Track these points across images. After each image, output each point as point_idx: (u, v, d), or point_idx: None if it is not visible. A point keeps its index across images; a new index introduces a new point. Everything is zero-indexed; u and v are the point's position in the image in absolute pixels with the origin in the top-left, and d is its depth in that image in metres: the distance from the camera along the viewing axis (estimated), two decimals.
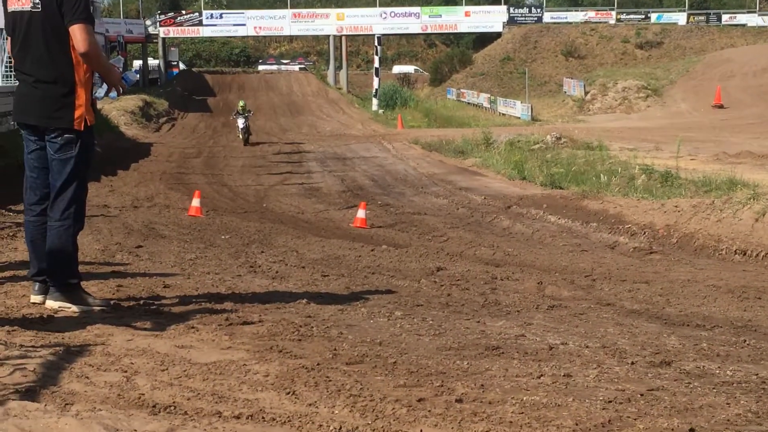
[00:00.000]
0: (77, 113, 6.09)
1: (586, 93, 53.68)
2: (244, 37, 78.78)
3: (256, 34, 72.60)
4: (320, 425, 4.03)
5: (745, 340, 6.29)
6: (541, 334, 6.23)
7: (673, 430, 4.10)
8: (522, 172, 22.01)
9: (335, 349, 5.42)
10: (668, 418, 4.27)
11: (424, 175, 23.96)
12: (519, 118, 47.46)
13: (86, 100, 6.13)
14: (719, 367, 5.40)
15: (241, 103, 36.13)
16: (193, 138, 37.50)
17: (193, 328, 5.86)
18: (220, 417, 4.10)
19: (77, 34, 5.95)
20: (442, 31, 72.79)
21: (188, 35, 71.65)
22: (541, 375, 5.04)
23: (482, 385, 4.78)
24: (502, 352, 5.59)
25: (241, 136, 34.67)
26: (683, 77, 54.10)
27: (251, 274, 8.81)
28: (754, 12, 71.63)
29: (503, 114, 50.18)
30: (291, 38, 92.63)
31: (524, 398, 4.54)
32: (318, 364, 5.05)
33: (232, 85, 64.53)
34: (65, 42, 6.01)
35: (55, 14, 6.02)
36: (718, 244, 12.47)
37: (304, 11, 68.60)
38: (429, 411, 4.30)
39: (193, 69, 78.36)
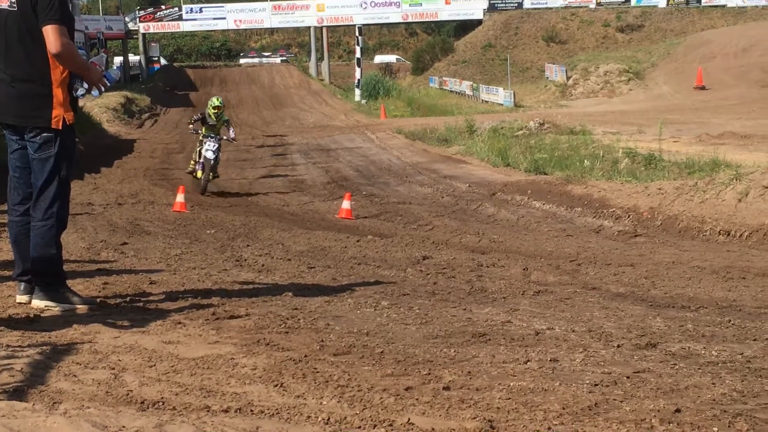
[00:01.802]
0: (55, 112, 6.07)
1: (568, 78, 53.67)
2: (224, 30, 78.45)
3: (236, 28, 72.37)
4: (308, 416, 4.05)
5: (729, 320, 6.33)
6: (528, 319, 6.26)
7: (659, 411, 4.12)
8: (506, 159, 22.01)
9: (322, 341, 5.44)
10: (654, 400, 4.30)
11: (409, 165, 23.95)
12: (502, 104, 47.44)
13: (64, 99, 6.11)
14: (704, 348, 5.43)
15: (215, 102, 19.89)
16: (176, 133, 37.33)
17: (179, 323, 5.86)
18: (208, 411, 4.11)
19: (50, 35, 5.93)
20: (422, 20, 72.60)
21: (168, 30, 71.36)
22: (528, 360, 5.07)
23: (469, 372, 4.80)
24: (489, 339, 5.61)
25: (197, 173, 19.38)
26: (664, 60, 54.13)
27: (237, 268, 8.83)
28: None
29: (486, 101, 50.16)
30: (272, 31, 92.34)
31: (511, 384, 4.56)
32: (305, 356, 5.07)
33: (214, 79, 64.36)
34: (41, 41, 5.99)
35: (30, 14, 6.00)
36: (702, 225, 12.52)
37: (284, 3, 68.28)
38: (417, 399, 4.32)
39: (175, 64, 78.11)
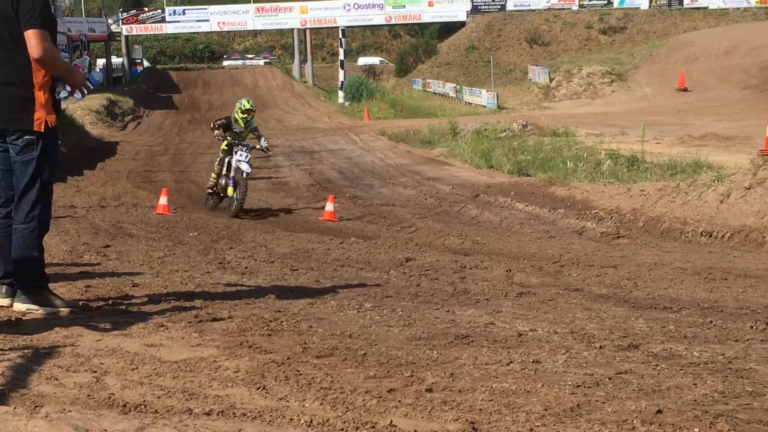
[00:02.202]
0: (36, 115, 6.06)
1: (551, 80, 53.78)
2: (207, 32, 78.23)
3: (219, 30, 72.17)
4: (291, 419, 4.05)
5: (711, 321, 6.36)
6: (510, 321, 6.27)
7: (640, 412, 4.14)
8: (489, 161, 22.04)
9: (305, 343, 5.44)
10: (636, 401, 4.32)
11: (392, 167, 23.95)
12: (485, 106, 47.48)
13: (46, 102, 6.10)
14: (686, 349, 5.45)
15: (245, 105, 16.85)
16: (160, 135, 37.30)
17: (162, 326, 5.85)
18: (190, 414, 4.10)
19: (32, 39, 5.91)
20: (406, 22, 72.62)
21: (151, 32, 71.19)
22: (511, 362, 5.08)
23: (452, 373, 4.81)
24: (472, 341, 5.62)
25: (228, 189, 16.20)
26: (647, 61, 54.29)
27: (220, 270, 8.82)
28: None
29: (469, 103, 50.20)
30: (255, 33, 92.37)
31: (494, 385, 4.57)
32: (288, 359, 5.07)
33: (197, 82, 64.29)
34: (23, 44, 5.97)
35: (11, 17, 5.98)
36: (684, 226, 12.56)
37: (267, 5, 68.19)
38: (399, 401, 4.33)
39: (158, 66, 78.00)
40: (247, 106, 16.75)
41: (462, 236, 12.98)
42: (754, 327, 6.15)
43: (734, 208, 12.10)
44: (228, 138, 16.47)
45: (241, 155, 16.02)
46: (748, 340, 5.75)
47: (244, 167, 15.84)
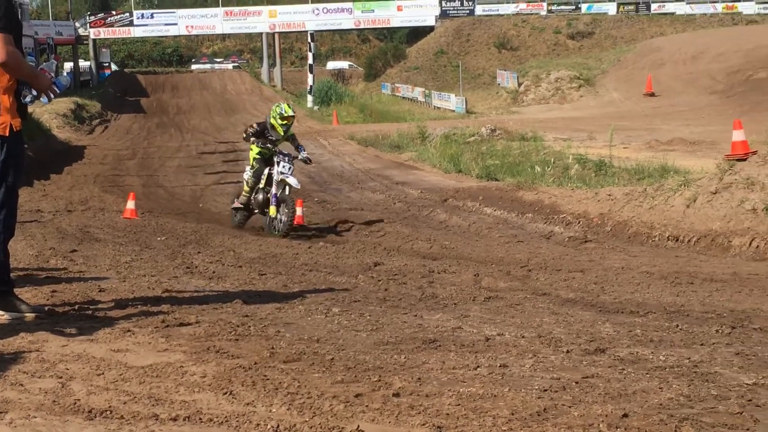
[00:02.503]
0: (1, 119, 6.00)
1: (520, 84, 54.02)
2: (176, 36, 78.07)
3: (188, 34, 72.06)
4: (258, 424, 4.04)
5: (677, 325, 6.39)
6: (478, 325, 6.28)
7: (607, 416, 4.15)
8: (458, 165, 22.09)
9: (272, 348, 5.42)
10: (602, 405, 4.33)
11: (361, 171, 23.95)
12: (454, 111, 47.63)
13: (11, 105, 6.05)
14: (652, 353, 5.48)
15: (286, 110, 15.01)
16: (127, 139, 37.10)
17: (129, 331, 5.82)
18: (156, 420, 4.08)
19: None
20: (375, 26, 72.76)
21: (119, 36, 70.91)
22: (478, 366, 5.09)
23: (419, 378, 4.81)
24: (439, 345, 5.63)
25: (270, 210, 14.33)
26: (615, 66, 54.65)
27: (188, 275, 8.78)
28: (682, 1, 72.51)
29: (438, 107, 50.32)
30: (224, 36, 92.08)
31: (461, 390, 4.58)
32: (255, 363, 5.05)
33: (166, 85, 63.99)
34: None
35: None
36: (651, 231, 12.63)
37: (236, 9, 68.16)
38: (366, 406, 4.32)
39: (126, 70, 77.57)
40: (289, 113, 14.93)
41: (430, 241, 12.99)
42: (720, 331, 6.19)
43: (700, 213, 12.18)
44: (269, 146, 14.62)
45: (284, 167, 14.26)
46: (713, 344, 5.79)
47: (293, 182, 14.12)
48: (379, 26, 72.73)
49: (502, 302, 7.45)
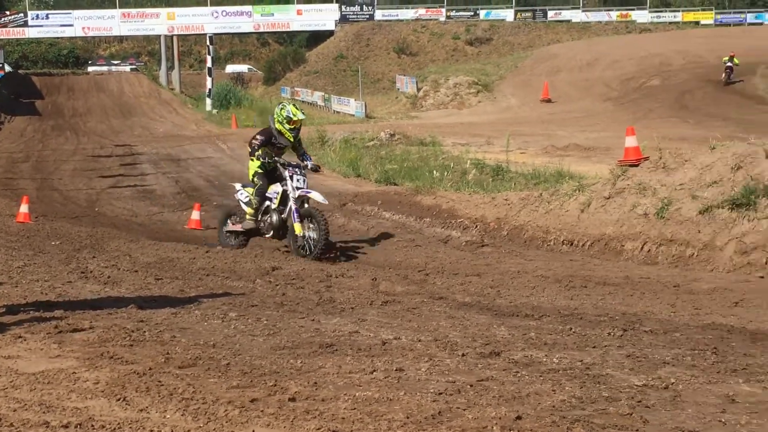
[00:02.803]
0: None
1: (419, 89, 54.26)
2: (72, 38, 76.74)
3: (84, 35, 70.89)
4: (151, 430, 4.00)
5: (571, 328, 6.50)
6: (375, 329, 6.31)
7: (500, 418, 4.20)
8: (357, 170, 22.14)
9: (168, 353, 5.38)
10: (496, 407, 4.38)
11: None
12: (353, 115, 47.67)
13: None
14: (546, 356, 5.56)
15: (295, 114, 13.14)
16: (21, 142, 36.37)
17: (20, 337, 5.72)
18: (47, 427, 4.02)
19: None
20: (274, 30, 72.41)
21: (13, 36, 69.42)
22: (374, 370, 5.11)
23: (315, 383, 4.81)
24: (336, 350, 5.64)
25: (296, 227, 12.36)
26: (512, 73, 55.28)
27: (82, 280, 8.65)
28: (578, 8, 73.76)
29: (338, 112, 50.34)
30: (121, 38, 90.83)
31: (357, 394, 4.59)
32: (150, 369, 5.00)
33: (61, 87, 62.90)
34: None
35: None
36: (547, 235, 12.80)
37: (133, 11, 67.23)
38: (262, 411, 4.31)
39: (20, 71, 76.04)
40: (298, 115, 13.09)
41: None
42: (612, 333, 6.30)
43: (594, 218, 12.38)
44: (275, 159, 12.80)
45: (298, 180, 12.59)
46: (605, 346, 5.90)
47: (319, 198, 12.37)
48: (278, 30, 72.40)
49: (399, 306, 7.49)
